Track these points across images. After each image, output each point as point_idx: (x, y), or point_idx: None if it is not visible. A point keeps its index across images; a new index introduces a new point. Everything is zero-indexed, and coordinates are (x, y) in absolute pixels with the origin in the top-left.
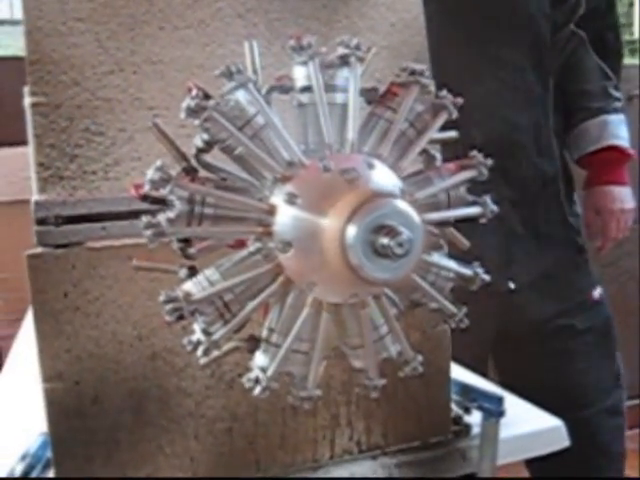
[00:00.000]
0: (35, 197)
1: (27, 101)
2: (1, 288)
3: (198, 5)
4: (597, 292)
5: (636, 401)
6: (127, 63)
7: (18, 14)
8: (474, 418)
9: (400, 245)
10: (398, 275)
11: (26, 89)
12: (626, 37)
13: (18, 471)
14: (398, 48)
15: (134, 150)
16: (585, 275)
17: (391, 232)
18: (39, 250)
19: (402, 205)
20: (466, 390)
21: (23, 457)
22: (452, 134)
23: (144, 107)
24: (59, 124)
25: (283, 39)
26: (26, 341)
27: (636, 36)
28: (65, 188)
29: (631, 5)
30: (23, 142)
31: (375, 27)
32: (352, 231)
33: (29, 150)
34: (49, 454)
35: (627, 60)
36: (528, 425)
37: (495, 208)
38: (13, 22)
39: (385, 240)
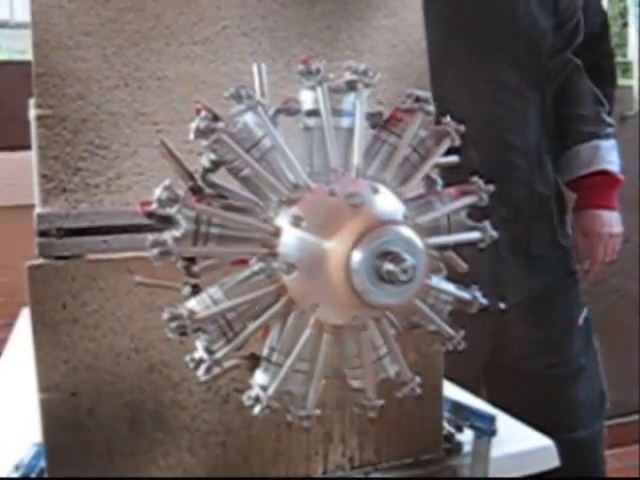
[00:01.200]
0: (38, 209)
1: (32, 113)
2: None
3: (204, 23)
4: (582, 316)
5: (636, 417)
6: (132, 78)
7: (18, 17)
8: (466, 436)
9: (404, 271)
10: (401, 300)
11: (32, 101)
12: (619, 58)
13: None
14: (399, 70)
15: (137, 165)
16: (574, 297)
17: (396, 258)
18: (40, 261)
19: (406, 232)
20: (458, 408)
21: (17, 467)
22: (453, 159)
23: (148, 122)
24: (63, 137)
25: (287, 58)
26: (18, 347)
27: (629, 57)
28: (68, 201)
29: (625, 26)
30: (22, 147)
31: (377, 49)
32: (357, 256)
33: (32, 161)
34: (42, 464)
35: (620, 81)
36: (519, 444)
37: (495, 234)
38: (13, 26)
39: (390, 266)
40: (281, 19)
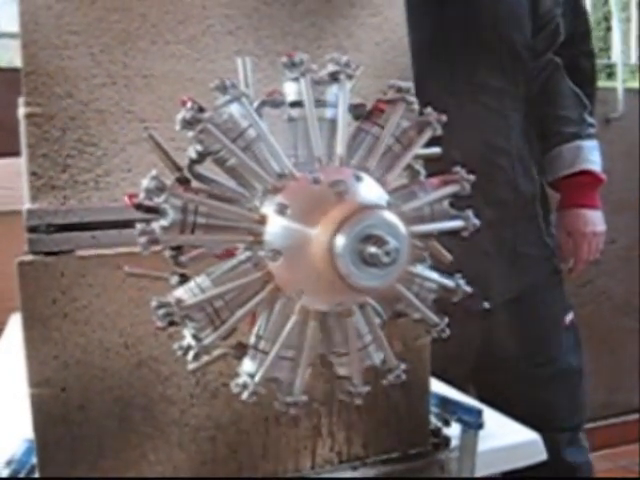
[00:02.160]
0: (27, 205)
1: (21, 111)
2: None
3: (189, 21)
4: (569, 317)
5: (622, 418)
6: (119, 76)
7: (3, 27)
8: (453, 430)
9: (387, 254)
10: (385, 283)
11: (21, 100)
12: (604, 61)
13: (3, 476)
14: (383, 67)
15: (125, 161)
16: (559, 297)
17: (378, 241)
18: (30, 257)
19: (389, 216)
20: (445, 403)
21: (8, 463)
22: (435, 150)
23: (135, 119)
24: (52, 134)
25: (272, 56)
26: (8, 350)
27: (613, 60)
28: (57, 197)
29: (609, 30)
30: (8, 153)
31: (361, 46)
32: (341, 241)
33: (22, 159)
34: (34, 460)
35: (605, 83)
36: (506, 438)
37: (477, 222)
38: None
39: (373, 249)
40: (265, 17)
